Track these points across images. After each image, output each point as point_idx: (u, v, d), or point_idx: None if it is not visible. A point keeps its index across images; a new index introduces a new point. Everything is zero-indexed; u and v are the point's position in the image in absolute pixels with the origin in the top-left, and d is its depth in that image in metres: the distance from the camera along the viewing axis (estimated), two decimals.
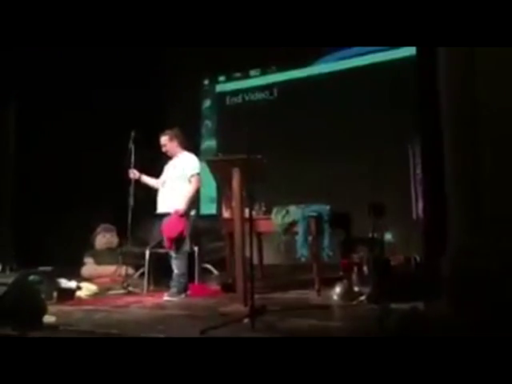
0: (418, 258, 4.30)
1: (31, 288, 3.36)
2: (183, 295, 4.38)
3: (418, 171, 4.99)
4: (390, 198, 5.39)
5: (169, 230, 4.36)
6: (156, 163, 4.86)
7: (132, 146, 4.79)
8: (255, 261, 4.72)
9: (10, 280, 3.14)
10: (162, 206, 4.57)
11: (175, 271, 4.40)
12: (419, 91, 4.38)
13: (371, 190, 5.62)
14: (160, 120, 7.29)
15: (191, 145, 7.62)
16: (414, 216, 5.44)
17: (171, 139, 4.65)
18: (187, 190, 4.46)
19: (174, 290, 4.36)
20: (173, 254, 4.40)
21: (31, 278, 4.00)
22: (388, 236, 5.76)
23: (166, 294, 4.37)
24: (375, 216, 4.33)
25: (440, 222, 3.43)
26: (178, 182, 4.52)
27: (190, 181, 4.50)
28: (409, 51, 5.86)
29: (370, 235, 4.37)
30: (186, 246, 4.45)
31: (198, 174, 4.53)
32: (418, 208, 5.14)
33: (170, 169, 4.69)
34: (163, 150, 4.67)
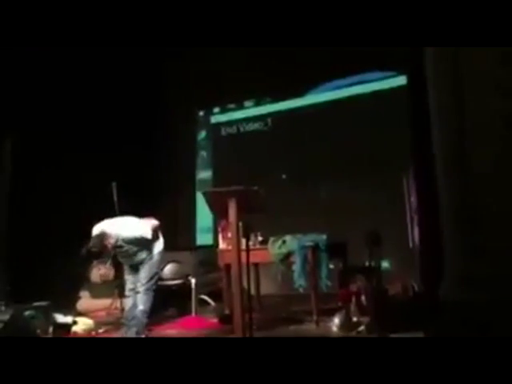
0: (415, 286, 4.29)
1: (27, 325, 3.32)
2: (142, 336, 3.98)
3: (413, 199, 5.02)
4: (387, 226, 5.42)
5: None
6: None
7: (116, 199, 4.69)
8: (252, 291, 4.70)
9: (5, 317, 3.12)
10: None
11: (140, 307, 4.00)
12: (411, 119, 4.46)
13: (367, 219, 5.64)
14: (154, 154, 7.40)
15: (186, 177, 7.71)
16: (411, 244, 5.45)
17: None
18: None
19: (133, 329, 3.97)
20: (140, 287, 4.06)
21: (27, 313, 3.96)
22: (385, 264, 5.75)
23: (120, 333, 4.05)
24: (372, 244, 4.34)
25: (436, 249, 3.44)
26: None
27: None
28: (401, 81, 6.00)
29: (367, 264, 4.36)
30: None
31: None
32: (415, 235, 5.15)
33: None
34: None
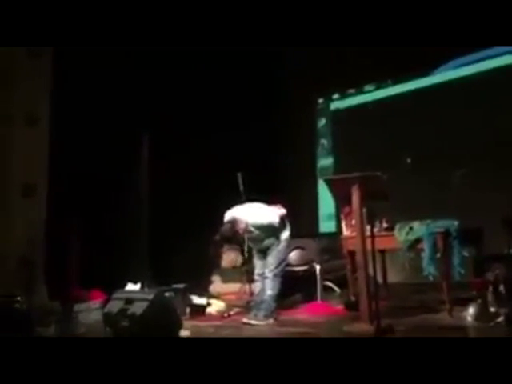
0: None
1: (168, 304, 3.64)
2: (271, 320, 4.09)
3: None
4: None
5: None
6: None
7: (242, 188, 4.84)
8: (379, 279, 4.60)
9: (149, 296, 3.44)
10: None
11: (268, 292, 4.14)
12: None
13: (505, 203, 5.18)
14: (275, 144, 7.58)
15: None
16: None
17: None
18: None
19: (261, 312, 4.10)
20: (269, 273, 4.18)
21: (167, 294, 4.34)
22: None
23: (249, 316, 4.16)
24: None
25: None
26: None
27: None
28: None
29: (507, 251, 4.03)
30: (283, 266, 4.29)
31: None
32: None
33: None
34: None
